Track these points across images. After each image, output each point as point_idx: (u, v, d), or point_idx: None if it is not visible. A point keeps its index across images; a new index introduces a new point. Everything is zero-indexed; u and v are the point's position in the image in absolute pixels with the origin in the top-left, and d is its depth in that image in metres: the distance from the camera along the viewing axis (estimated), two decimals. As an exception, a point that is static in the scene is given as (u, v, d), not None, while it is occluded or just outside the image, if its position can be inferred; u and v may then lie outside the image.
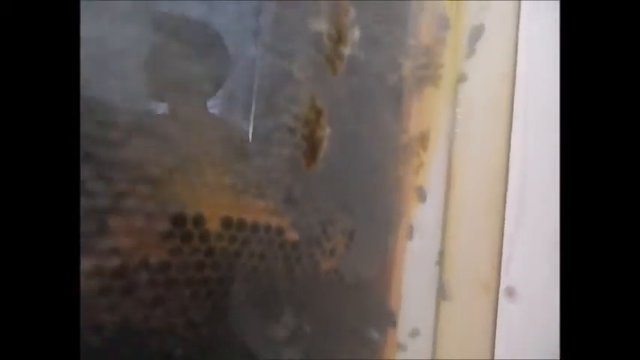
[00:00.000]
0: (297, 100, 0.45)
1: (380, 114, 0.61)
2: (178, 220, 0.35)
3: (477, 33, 0.75)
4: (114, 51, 0.30)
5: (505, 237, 0.71)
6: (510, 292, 0.73)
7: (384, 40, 0.60)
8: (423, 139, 0.68)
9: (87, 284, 0.30)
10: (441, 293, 0.73)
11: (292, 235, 0.47)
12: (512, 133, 0.73)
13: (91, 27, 0.29)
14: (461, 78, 0.74)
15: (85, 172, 0.30)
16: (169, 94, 0.34)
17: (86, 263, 0.30)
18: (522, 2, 0.77)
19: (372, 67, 0.58)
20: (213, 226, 0.38)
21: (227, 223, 0.40)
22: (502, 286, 0.72)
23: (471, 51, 0.76)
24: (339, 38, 0.48)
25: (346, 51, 0.49)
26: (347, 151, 0.54)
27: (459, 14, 0.77)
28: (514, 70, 0.74)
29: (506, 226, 0.71)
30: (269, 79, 0.43)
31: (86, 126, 0.30)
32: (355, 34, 0.51)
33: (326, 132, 0.47)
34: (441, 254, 0.73)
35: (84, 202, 0.29)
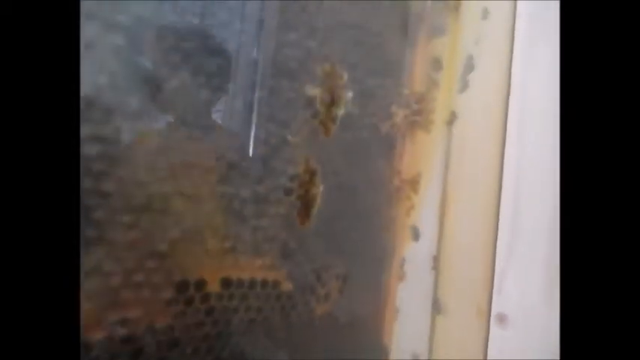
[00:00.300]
0: (292, 162, 0.49)
1: (373, 162, 0.65)
2: (182, 286, 0.39)
3: (469, 67, 0.79)
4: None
5: (497, 268, 0.74)
6: (502, 319, 0.76)
7: (378, 93, 0.64)
8: (414, 182, 0.71)
9: (98, 352, 0.34)
10: (436, 308, 0.76)
11: (287, 286, 0.50)
12: (505, 165, 0.77)
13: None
14: (452, 117, 0.77)
15: (99, 253, 0.33)
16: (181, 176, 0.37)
17: (98, 335, 0.33)
18: (516, 34, 0.80)
19: (365, 120, 0.61)
20: (213, 287, 0.42)
21: (226, 283, 0.43)
22: (494, 313, 0.75)
23: (464, 85, 0.80)
24: (332, 102, 0.51)
25: (339, 112, 0.52)
26: (340, 201, 0.57)
27: (453, 52, 0.80)
28: (507, 103, 0.78)
29: (497, 258, 0.74)
30: (265, 146, 0.46)
31: (100, 213, 0.33)
32: (348, 94, 0.54)
33: (319, 190, 0.51)
34: (435, 285, 0.76)
35: (97, 282, 0.33)
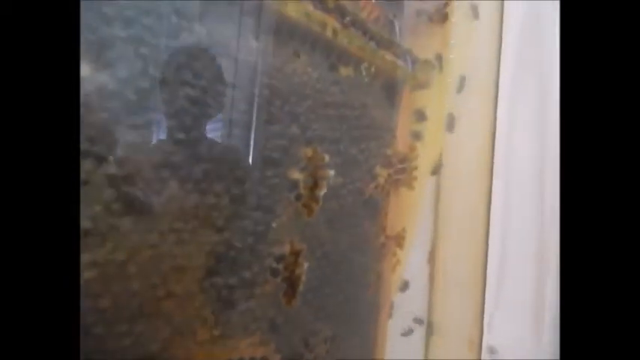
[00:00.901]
0: (277, 244, 0.52)
1: (358, 224, 0.68)
2: (175, 379, 0.42)
3: (452, 121, 0.82)
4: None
5: (486, 308, 0.78)
6: (492, 351, 0.81)
7: (361, 158, 0.67)
8: (399, 238, 0.74)
9: None
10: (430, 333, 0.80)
11: (275, 359, 0.54)
12: (491, 212, 0.80)
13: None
14: (438, 167, 0.81)
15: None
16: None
17: None
18: (501, 76, 0.84)
19: (349, 186, 0.64)
20: (204, 374, 0.45)
21: (217, 367, 0.46)
22: (484, 345, 0.80)
23: (450, 128, 0.83)
24: (315, 184, 0.55)
25: (322, 193, 0.56)
26: (326, 269, 0.60)
27: (440, 99, 0.83)
28: (493, 145, 0.81)
29: (486, 299, 0.78)
30: (252, 234, 0.50)
31: (98, 328, 0.37)
32: (330, 173, 0.58)
33: (304, 268, 0.54)
34: (428, 327, 0.80)
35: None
